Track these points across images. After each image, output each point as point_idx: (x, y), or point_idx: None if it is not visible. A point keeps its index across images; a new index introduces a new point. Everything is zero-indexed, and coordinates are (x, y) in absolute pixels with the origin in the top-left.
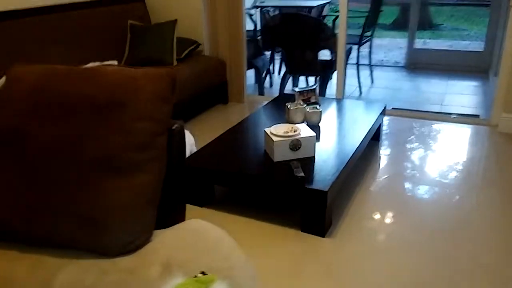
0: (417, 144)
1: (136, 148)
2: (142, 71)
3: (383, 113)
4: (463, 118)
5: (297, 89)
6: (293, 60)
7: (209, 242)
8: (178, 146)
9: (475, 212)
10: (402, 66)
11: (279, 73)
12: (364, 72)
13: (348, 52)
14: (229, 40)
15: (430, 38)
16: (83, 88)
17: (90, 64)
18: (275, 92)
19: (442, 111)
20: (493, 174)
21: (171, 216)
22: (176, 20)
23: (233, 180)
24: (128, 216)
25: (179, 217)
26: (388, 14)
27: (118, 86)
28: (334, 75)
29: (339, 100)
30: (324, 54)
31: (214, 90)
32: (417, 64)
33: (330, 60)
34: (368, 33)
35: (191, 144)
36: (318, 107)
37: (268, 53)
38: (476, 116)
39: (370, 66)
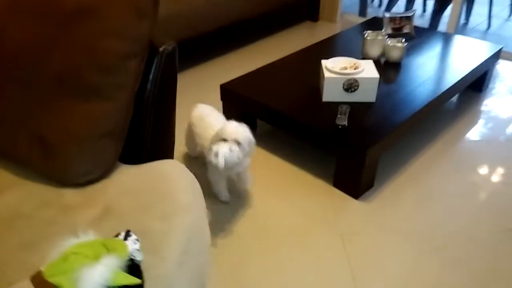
0: None
1: (100, 70)
2: None
3: (498, 56)
4: None
5: (387, 14)
6: None
7: (166, 193)
8: (168, 73)
9: None
10: None
11: None
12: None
13: None
14: None
15: None
16: None
17: None
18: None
19: None
20: None
21: (150, 153)
22: None
23: (271, 115)
24: (82, 144)
25: (162, 156)
26: None
27: None
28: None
29: (446, 34)
30: None
31: (304, 4)
32: None
33: None
34: None
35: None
36: (402, 41)
37: None
38: None
39: None
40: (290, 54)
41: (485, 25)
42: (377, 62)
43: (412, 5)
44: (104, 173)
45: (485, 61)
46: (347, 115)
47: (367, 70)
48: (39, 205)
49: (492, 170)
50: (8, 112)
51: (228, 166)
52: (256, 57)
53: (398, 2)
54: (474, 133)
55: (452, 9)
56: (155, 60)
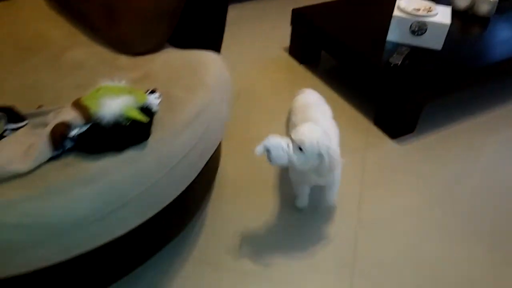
0: None
1: None
2: None
3: None
4: None
5: None
6: None
7: (197, 73)
8: None
9: None
10: None
11: None
12: None
13: None
14: None
15: None
16: None
17: None
18: None
19: None
20: None
21: (196, 41)
22: None
23: (333, 46)
24: (143, 19)
25: (207, 47)
26: None
27: None
28: None
29: None
30: None
31: None
32: None
33: None
34: None
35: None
36: None
37: None
38: None
39: None
40: None
41: None
42: (463, 14)
43: None
44: (154, 48)
45: None
46: (403, 55)
47: (440, 16)
48: (98, 62)
49: None
50: None
51: (278, 163)
52: None
53: None
54: None
55: None
56: None
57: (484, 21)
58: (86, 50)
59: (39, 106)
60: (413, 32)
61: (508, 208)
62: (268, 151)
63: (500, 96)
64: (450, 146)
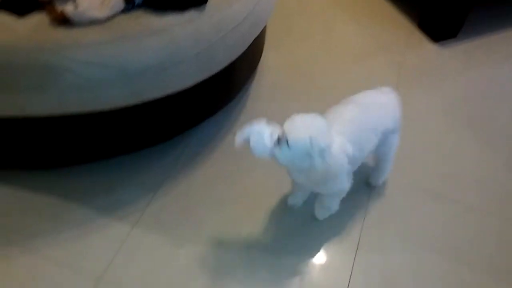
0: None
1: None
2: None
3: None
4: None
5: None
6: None
7: None
8: None
9: None
10: None
11: None
12: None
13: None
14: None
15: None
16: None
17: None
18: None
19: None
20: None
21: None
22: None
23: None
24: None
25: None
26: None
27: None
28: None
29: None
30: None
31: None
32: None
33: None
34: None
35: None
36: None
37: None
38: None
39: None
40: None
41: None
42: None
43: None
44: None
45: None
46: None
47: None
48: None
49: None
50: None
51: (257, 155)
52: None
53: None
54: None
55: None
56: None
57: None
58: None
59: None
60: None
61: None
62: (248, 139)
63: None
64: (490, 53)
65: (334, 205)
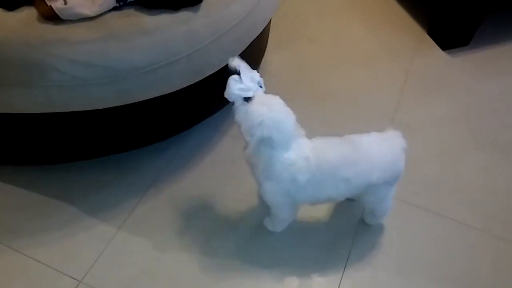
0: None
1: None
2: None
3: None
4: None
5: None
6: None
7: None
8: None
9: None
10: None
11: None
12: None
13: None
14: None
15: None
16: None
17: None
18: None
19: None
20: None
21: None
22: None
23: None
24: None
25: None
26: None
27: None
28: None
29: None
30: None
31: None
32: None
33: None
34: None
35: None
36: None
37: None
38: None
39: None
40: None
41: None
42: None
43: None
44: None
45: None
46: None
47: None
48: None
49: None
50: None
51: (229, 98)
52: None
53: None
54: None
55: None
56: None
57: None
58: None
59: None
60: None
61: None
62: (233, 71)
63: None
64: (502, 63)
65: (276, 225)
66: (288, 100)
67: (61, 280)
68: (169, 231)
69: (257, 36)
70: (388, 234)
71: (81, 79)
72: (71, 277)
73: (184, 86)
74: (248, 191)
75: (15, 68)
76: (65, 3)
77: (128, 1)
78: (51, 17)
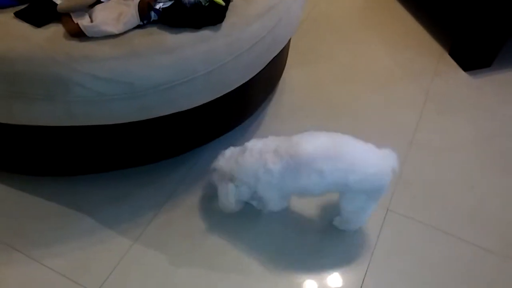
0: None
1: None
2: None
3: None
4: None
5: None
6: None
7: None
8: None
9: None
10: None
11: None
12: None
13: None
14: None
15: None
16: None
17: None
18: None
19: None
20: None
21: None
22: None
23: None
24: None
25: None
26: None
27: None
28: None
29: None
30: None
31: None
32: None
33: None
34: None
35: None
36: None
37: None
38: None
39: None
40: None
41: None
42: None
43: None
44: None
45: None
46: None
47: None
48: None
49: None
50: None
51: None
52: None
53: None
54: None
55: None
56: None
57: None
58: None
59: None
60: None
61: None
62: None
63: None
64: None
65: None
66: (305, 117)
67: None
68: (185, 245)
69: (277, 54)
70: (408, 258)
71: (103, 94)
72: None
73: (203, 102)
74: None
75: (40, 83)
76: (91, 21)
77: (152, 20)
78: (77, 34)
